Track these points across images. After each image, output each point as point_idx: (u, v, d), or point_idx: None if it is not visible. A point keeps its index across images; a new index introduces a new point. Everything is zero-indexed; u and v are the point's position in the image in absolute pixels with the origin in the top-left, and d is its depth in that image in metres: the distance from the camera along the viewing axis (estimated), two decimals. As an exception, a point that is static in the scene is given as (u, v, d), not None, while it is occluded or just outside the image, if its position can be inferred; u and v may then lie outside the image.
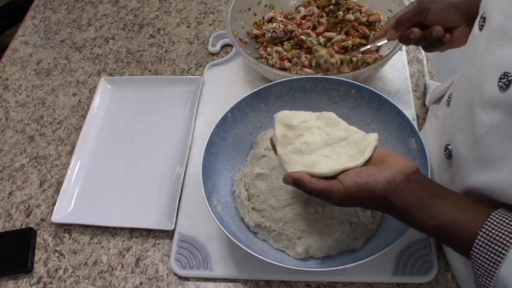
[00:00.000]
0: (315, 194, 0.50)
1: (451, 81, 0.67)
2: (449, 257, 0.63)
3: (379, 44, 0.75)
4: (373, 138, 0.53)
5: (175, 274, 0.67)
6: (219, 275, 0.65)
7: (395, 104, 0.66)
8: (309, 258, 0.63)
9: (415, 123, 0.71)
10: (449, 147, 0.54)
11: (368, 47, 0.77)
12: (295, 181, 0.51)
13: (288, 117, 0.56)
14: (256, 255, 0.56)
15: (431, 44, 0.66)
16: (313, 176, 0.50)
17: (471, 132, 0.47)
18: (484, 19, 0.47)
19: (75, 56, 0.99)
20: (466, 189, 0.50)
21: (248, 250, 0.56)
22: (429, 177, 0.58)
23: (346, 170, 0.49)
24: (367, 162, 0.50)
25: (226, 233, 0.57)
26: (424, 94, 0.82)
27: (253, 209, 0.65)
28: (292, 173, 0.51)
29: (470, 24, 0.57)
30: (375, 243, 0.62)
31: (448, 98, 0.58)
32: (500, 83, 0.41)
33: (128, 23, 1.04)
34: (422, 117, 0.79)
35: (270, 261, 0.55)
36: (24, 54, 1.01)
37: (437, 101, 0.74)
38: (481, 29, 0.48)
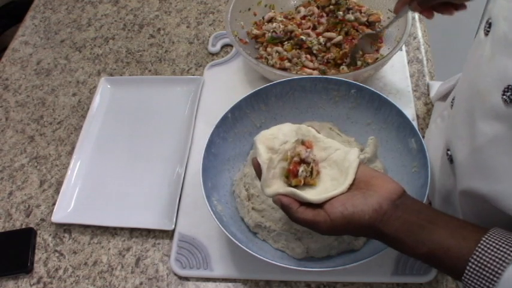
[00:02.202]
0: (301, 223, 0.49)
1: (456, 79, 0.66)
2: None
3: (402, 16, 0.76)
4: (354, 157, 0.52)
5: (175, 274, 0.67)
6: (219, 275, 0.65)
7: (395, 104, 0.66)
8: (309, 258, 0.63)
9: (415, 123, 0.71)
10: (449, 152, 0.53)
11: (396, 17, 0.77)
12: (283, 207, 0.50)
13: (270, 140, 0.54)
14: (256, 255, 0.56)
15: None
16: (299, 201, 0.49)
17: (470, 140, 0.46)
18: (489, 24, 0.46)
19: (75, 56, 0.99)
20: (465, 193, 0.49)
21: (248, 250, 0.56)
22: (429, 177, 0.58)
23: (332, 198, 0.48)
24: (352, 185, 0.50)
25: (226, 233, 0.57)
26: (424, 94, 0.83)
27: (253, 209, 0.65)
28: (282, 197, 0.50)
29: None
30: (375, 243, 0.62)
31: (453, 99, 0.57)
32: (505, 96, 0.41)
33: (128, 23, 1.04)
34: (422, 117, 0.79)
35: (270, 261, 0.55)
36: (24, 54, 1.01)
37: (443, 98, 0.73)
38: (486, 34, 0.47)
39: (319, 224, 0.47)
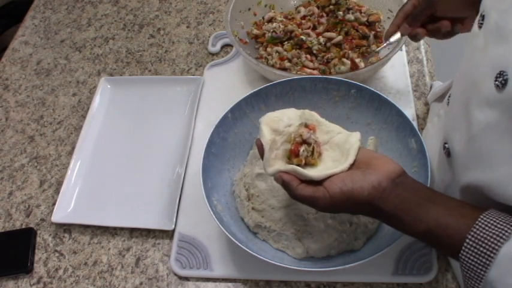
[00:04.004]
0: (301, 200, 0.50)
1: (452, 80, 0.67)
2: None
3: (393, 40, 0.75)
4: (355, 139, 0.53)
5: (175, 274, 0.67)
6: (219, 275, 0.65)
7: (395, 104, 0.66)
8: (309, 258, 0.63)
9: (415, 123, 0.71)
10: (446, 145, 0.54)
11: (384, 45, 0.77)
12: (284, 183, 0.51)
13: (274, 121, 0.55)
14: (256, 255, 0.56)
15: (443, 34, 0.68)
16: (300, 179, 0.50)
17: (466, 130, 0.47)
18: (483, 17, 0.47)
19: (75, 56, 0.99)
20: (465, 187, 0.49)
21: (248, 250, 0.56)
22: (429, 177, 0.58)
23: (332, 176, 0.49)
24: (352, 165, 0.50)
25: (226, 233, 0.57)
26: (424, 94, 0.83)
27: (253, 209, 0.65)
28: (283, 174, 0.51)
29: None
30: (375, 243, 0.62)
31: (449, 96, 0.58)
32: (497, 82, 0.41)
33: (128, 23, 1.04)
34: (422, 117, 0.79)
35: (270, 261, 0.55)
36: (24, 54, 1.01)
37: (440, 99, 0.74)
38: (480, 27, 0.48)
39: (318, 200, 0.48)
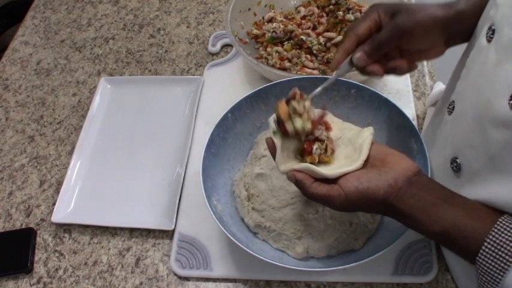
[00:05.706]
0: (315, 199, 0.49)
1: (444, 86, 0.65)
2: (447, 258, 0.63)
3: (342, 77, 0.58)
4: (367, 133, 0.52)
5: (175, 274, 0.67)
6: (219, 275, 0.65)
7: (395, 104, 0.66)
8: (309, 258, 0.63)
9: (415, 123, 0.71)
10: (457, 160, 0.52)
11: (333, 78, 0.57)
12: (297, 182, 0.50)
13: None
14: (256, 255, 0.56)
15: (397, 73, 0.57)
16: (314, 177, 0.49)
17: (484, 148, 0.46)
18: (493, 31, 0.46)
19: (75, 56, 0.99)
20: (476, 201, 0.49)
21: (248, 250, 0.56)
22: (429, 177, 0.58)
23: (347, 174, 0.48)
24: (366, 162, 0.50)
25: (226, 233, 0.57)
26: (424, 94, 0.83)
27: (253, 209, 0.65)
28: (296, 172, 0.50)
29: (448, 44, 0.54)
30: (375, 243, 0.62)
31: (450, 105, 0.56)
32: None
33: (128, 23, 1.04)
34: (422, 117, 0.79)
35: (270, 261, 0.55)
36: (24, 54, 1.01)
37: (435, 104, 0.73)
38: (489, 41, 0.46)
39: (333, 199, 0.47)
